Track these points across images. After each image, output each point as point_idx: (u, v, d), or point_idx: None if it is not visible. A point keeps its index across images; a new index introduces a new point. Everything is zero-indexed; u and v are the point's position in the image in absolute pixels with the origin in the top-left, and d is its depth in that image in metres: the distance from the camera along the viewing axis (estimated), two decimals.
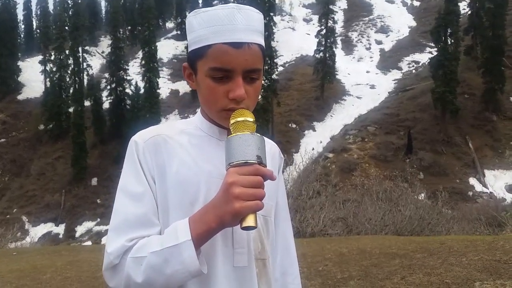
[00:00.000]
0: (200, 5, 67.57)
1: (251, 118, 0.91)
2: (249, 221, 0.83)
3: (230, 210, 0.82)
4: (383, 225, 7.98)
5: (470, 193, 26.24)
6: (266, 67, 36.59)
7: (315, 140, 35.40)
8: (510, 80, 33.07)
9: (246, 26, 0.93)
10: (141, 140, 0.98)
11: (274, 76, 37.56)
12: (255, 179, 0.83)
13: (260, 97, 35.30)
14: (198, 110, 1.07)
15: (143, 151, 0.96)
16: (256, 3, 37.22)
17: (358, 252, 5.14)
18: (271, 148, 1.11)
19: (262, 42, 0.98)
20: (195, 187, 0.94)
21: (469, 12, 38.74)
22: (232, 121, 0.90)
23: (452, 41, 32.84)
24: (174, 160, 0.96)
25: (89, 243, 26.20)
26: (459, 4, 36.62)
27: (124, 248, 0.88)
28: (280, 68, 44.95)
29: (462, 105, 32.35)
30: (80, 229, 32.25)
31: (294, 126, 38.79)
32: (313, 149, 19.86)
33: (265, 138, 1.09)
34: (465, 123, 31.83)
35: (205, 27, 0.94)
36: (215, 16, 0.93)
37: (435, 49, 34.30)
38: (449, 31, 32.67)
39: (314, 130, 38.07)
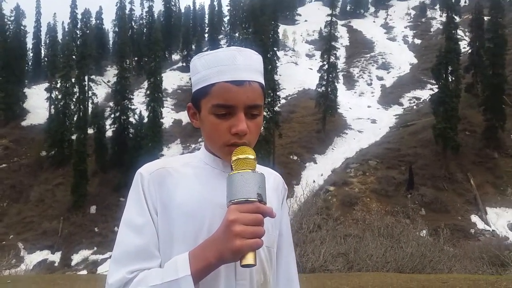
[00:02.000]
0: (206, 38, 69.30)
1: (252, 156, 0.93)
2: (249, 259, 0.84)
3: (231, 247, 0.83)
4: (385, 261, 7.85)
5: (472, 231, 25.90)
6: (269, 99, 37.03)
7: (316, 172, 35.34)
8: (510, 118, 33.37)
9: (247, 66, 0.99)
10: (146, 172, 1.00)
11: (276, 108, 37.96)
12: (256, 217, 0.85)
13: (262, 128, 35.93)
14: (202, 146, 1.11)
15: (148, 184, 0.98)
16: (261, 39, 38.19)
17: None
18: (275, 179, 1.13)
19: (262, 81, 1.03)
20: (199, 219, 0.96)
21: (470, 51, 39.65)
22: (233, 158, 0.93)
23: (453, 78, 33.36)
24: (179, 192, 0.99)
25: (84, 272, 25.69)
26: (460, 43, 37.45)
27: (125, 280, 0.90)
28: (283, 101, 45.51)
29: (463, 141, 32.48)
30: (76, 258, 31.71)
31: (295, 158, 38.84)
32: (314, 181, 19.81)
33: (268, 169, 1.13)
34: (466, 160, 31.84)
35: (208, 68, 0.99)
36: (218, 58, 0.99)
37: (436, 86, 34.78)
38: (449, 68, 33.24)
39: (315, 163, 38.09)
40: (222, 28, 76.63)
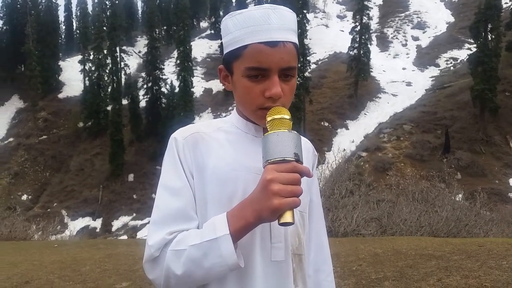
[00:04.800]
0: (234, 4, 68.13)
1: (287, 116, 0.92)
2: (287, 217, 0.84)
3: (269, 206, 0.83)
4: (419, 226, 7.80)
5: (510, 195, 25.21)
6: (299, 65, 36.30)
7: (348, 138, 34.93)
8: None
9: (281, 25, 0.95)
10: (180, 137, 1.01)
11: (306, 74, 37.33)
12: (293, 176, 0.85)
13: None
14: (234, 110, 1.09)
15: (183, 148, 0.99)
16: (290, 1, 37.08)
17: (393, 253, 5.07)
18: (305, 145, 1.12)
19: (296, 41, 1.00)
20: (233, 182, 0.97)
21: (511, 7, 37.08)
22: (269, 119, 0.92)
23: (493, 36, 31.60)
24: (212, 156, 0.99)
25: (125, 237, 27.00)
26: None
27: (165, 241, 0.91)
28: (313, 66, 44.61)
29: (503, 103, 31.06)
30: (116, 224, 33.25)
31: (326, 124, 38.42)
32: (344, 150, 19.61)
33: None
34: (505, 122, 30.53)
35: (240, 28, 0.96)
36: (250, 17, 0.96)
37: (475, 45, 33.14)
38: (489, 26, 31.43)
39: (347, 129, 37.57)
40: None
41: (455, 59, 46.53)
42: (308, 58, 38.35)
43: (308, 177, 0.90)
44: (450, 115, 32.02)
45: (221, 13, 64.63)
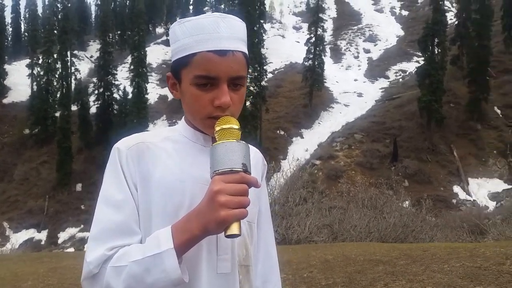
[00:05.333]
0: (191, 10, 67.76)
1: (236, 126, 0.91)
2: (234, 229, 0.83)
3: (216, 218, 0.82)
4: (368, 232, 8.03)
5: (454, 201, 26.57)
6: (256, 74, 36.71)
7: (303, 147, 35.55)
8: (494, 90, 33.77)
9: (230, 34, 0.94)
10: (124, 147, 0.97)
11: (263, 83, 37.70)
12: (241, 187, 0.83)
13: (248, 103, 35.17)
14: (182, 119, 1.07)
15: (126, 158, 0.95)
16: (247, 11, 37.46)
17: (343, 259, 5.16)
18: (255, 155, 1.11)
19: (246, 50, 0.99)
20: (179, 194, 0.94)
21: (456, 23, 39.52)
22: (217, 128, 0.90)
23: (439, 50, 33.40)
24: (158, 167, 0.95)
25: (72, 249, 25.79)
26: (447, 14, 37.32)
27: (104, 257, 0.87)
28: (269, 75, 45.16)
29: (448, 114, 32.86)
30: (63, 236, 31.75)
31: (282, 133, 38.92)
32: (298, 159, 19.95)
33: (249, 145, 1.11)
34: (450, 132, 32.31)
35: (189, 35, 0.94)
36: (199, 25, 0.94)
37: (422, 58, 34.83)
38: (436, 40, 33.23)
39: (302, 137, 38.25)
40: (207, 0, 74.90)
41: (404, 71, 48.87)
42: (264, 67, 38.76)
43: (256, 188, 0.88)
44: (398, 125, 33.46)
45: (177, 18, 63.81)
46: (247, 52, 0.99)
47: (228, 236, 0.83)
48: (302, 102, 42.44)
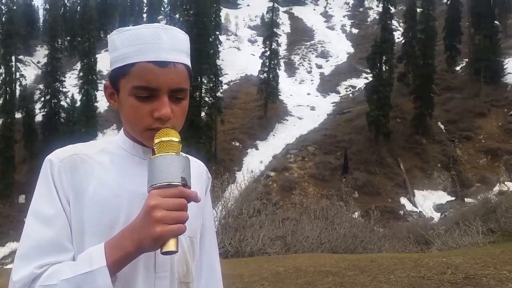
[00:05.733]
0: (145, 19, 66.68)
1: (176, 138, 0.87)
2: (171, 245, 0.79)
3: (151, 234, 0.78)
4: (320, 243, 8.18)
5: (401, 212, 27.68)
6: (211, 85, 36.65)
7: (258, 158, 35.77)
8: (438, 106, 35.86)
9: (172, 45, 0.92)
10: (56, 159, 0.92)
11: (218, 94, 37.69)
12: (179, 202, 0.80)
13: (204, 114, 34.79)
14: (121, 130, 1.03)
15: (59, 171, 0.90)
16: (202, 22, 37.47)
17: (294, 271, 5.21)
18: (199, 167, 1.09)
19: (189, 63, 0.96)
20: (115, 208, 0.90)
21: (403, 42, 41.74)
22: (156, 141, 0.87)
23: (387, 68, 35.04)
24: (93, 180, 0.91)
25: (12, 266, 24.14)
26: (394, 33, 39.26)
27: (33, 275, 0.81)
28: (225, 87, 45.28)
29: (394, 128, 34.43)
30: (3, 251, 29.73)
31: (237, 144, 38.98)
32: (252, 171, 20.04)
33: (193, 158, 1.07)
34: (396, 146, 33.82)
35: (128, 45, 0.91)
36: (139, 35, 0.91)
37: (371, 75, 36.34)
38: (384, 58, 34.83)
39: (257, 149, 38.51)
40: (162, 9, 74.16)
41: (353, 87, 50.83)
42: (220, 78, 38.83)
43: (196, 202, 0.84)
44: (349, 138, 34.58)
45: (130, 26, 62.87)
46: (190, 65, 0.97)
47: (164, 253, 0.80)
48: (257, 114, 42.85)
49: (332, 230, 8.64)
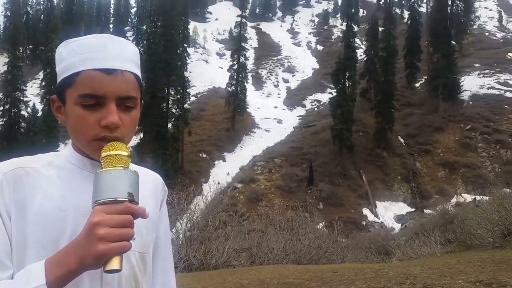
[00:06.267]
0: (111, 30, 65.67)
1: (125, 152, 0.84)
2: (114, 263, 0.75)
3: (93, 252, 0.74)
4: (285, 254, 8.28)
5: (364, 223, 28.32)
6: (178, 96, 36.46)
7: (225, 170, 35.73)
8: (398, 121, 37.26)
9: (118, 54, 0.90)
10: None
11: (186, 106, 37.53)
12: (124, 218, 0.76)
13: (170, 125, 34.27)
14: (69, 143, 1.00)
15: (1, 185, 0.86)
16: (170, 34, 37.37)
17: (258, 283, 5.26)
18: (154, 180, 1.07)
19: (138, 72, 0.95)
20: (60, 223, 0.86)
21: (365, 59, 43.25)
22: (103, 154, 0.83)
23: (350, 83, 36.15)
24: (38, 194, 0.87)
25: None
26: (357, 50, 40.65)
27: None
28: (193, 98, 45.17)
29: (357, 141, 35.42)
30: None
31: (204, 156, 38.80)
32: (219, 183, 19.99)
33: (147, 170, 1.08)
34: (359, 158, 34.75)
35: (74, 55, 0.89)
36: (86, 44, 0.90)
37: (335, 90, 37.33)
38: (347, 74, 35.95)
39: (224, 161, 38.49)
40: (129, 20, 73.32)
41: (318, 101, 52.05)
42: (188, 90, 38.72)
43: (143, 218, 0.81)
44: (314, 150, 35.23)
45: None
46: (139, 75, 0.96)
47: (107, 271, 0.76)
48: (225, 126, 42.94)
49: (297, 241, 8.77)
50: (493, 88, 42.21)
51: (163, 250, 1.08)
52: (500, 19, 70.94)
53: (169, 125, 35.19)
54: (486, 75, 45.86)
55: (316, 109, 49.64)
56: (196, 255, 7.67)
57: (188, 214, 9.07)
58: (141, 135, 34.67)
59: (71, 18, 63.50)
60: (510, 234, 6.80)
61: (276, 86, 59.26)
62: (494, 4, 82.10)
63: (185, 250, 7.86)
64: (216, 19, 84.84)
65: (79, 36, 0.98)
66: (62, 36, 51.65)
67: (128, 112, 0.90)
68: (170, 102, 35.73)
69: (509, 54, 53.01)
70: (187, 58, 43.32)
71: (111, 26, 71.54)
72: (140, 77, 0.96)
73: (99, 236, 0.74)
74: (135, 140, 36.27)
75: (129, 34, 61.51)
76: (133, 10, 75.83)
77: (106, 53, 0.88)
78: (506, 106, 38.01)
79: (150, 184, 1.03)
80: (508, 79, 44.40)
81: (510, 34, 64.92)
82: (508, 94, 40.49)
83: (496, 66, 48.16)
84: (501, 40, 60.50)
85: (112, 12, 76.93)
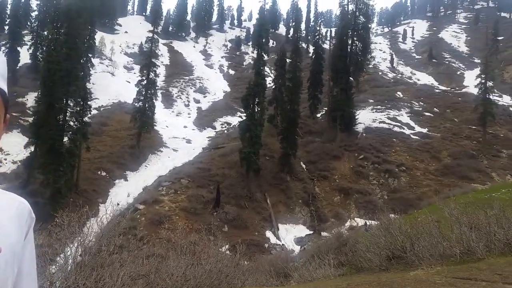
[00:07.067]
0: (6, 32, 59.79)
1: None
2: None
3: None
4: (185, 280, 7.98)
5: (266, 245, 28.88)
6: (78, 108, 34.06)
7: (127, 190, 33.96)
8: (301, 148, 39.34)
9: None
10: None
11: (86, 119, 35.20)
12: None
13: (66, 139, 31.92)
14: None
15: None
16: (74, 42, 35.14)
17: None
18: (19, 207, 0.98)
19: (4, 87, 0.89)
20: None
21: (273, 87, 45.30)
22: None
23: (259, 109, 37.40)
24: None
25: None
26: (266, 78, 42.36)
27: None
28: (94, 111, 42.62)
29: (263, 165, 36.47)
30: None
31: (103, 174, 36.46)
32: (118, 204, 18.97)
33: (12, 195, 0.99)
34: (264, 182, 35.72)
35: None
36: None
37: (244, 114, 38.27)
38: (256, 100, 37.16)
39: (126, 180, 36.58)
40: (28, 23, 67.56)
41: (228, 123, 52.75)
42: (89, 102, 36.42)
43: None
44: (222, 172, 35.36)
45: None
46: (5, 89, 0.89)
47: None
48: (129, 143, 41.06)
49: (198, 266, 8.54)
50: (383, 122, 47.09)
51: (25, 284, 0.99)
52: (391, 61, 79.81)
53: (66, 138, 32.42)
54: (378, 111, 51.02)
55: (225, 131, 50.15)
56: (86, 283, 7.02)
57: (80, 238, 8.33)
58: (32, 148, 31.41)
59: None
60: (395, 257, 7.39)
61: (187, 105, 58.80)
62: (387, 47, 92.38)
63: (73, 277, 7.16)
64: (126, 32, 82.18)
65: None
66: None
67: None
68: (68, 114, 32.95)
69: (398, 92, 59.79)
70: (91, 69, 41.10)
71: (6, 27, 65.21)
72: (6, 91, 0.88)
73: None
74: (24, 153, 32.74)
75: (27, 38, 56.55)
76: (33, 14, 70.20)
77: None
78: (394, 140, 42.50)
79: (13, 212, 0.93)
80: (397, 115, 49.89)
81: (400, 75, 73.33)
82: (396, 129, 45.41)
83: (387, 103, 53.95)
84: (392, 80, 68.10)
85: (8, 13, 70.21)
